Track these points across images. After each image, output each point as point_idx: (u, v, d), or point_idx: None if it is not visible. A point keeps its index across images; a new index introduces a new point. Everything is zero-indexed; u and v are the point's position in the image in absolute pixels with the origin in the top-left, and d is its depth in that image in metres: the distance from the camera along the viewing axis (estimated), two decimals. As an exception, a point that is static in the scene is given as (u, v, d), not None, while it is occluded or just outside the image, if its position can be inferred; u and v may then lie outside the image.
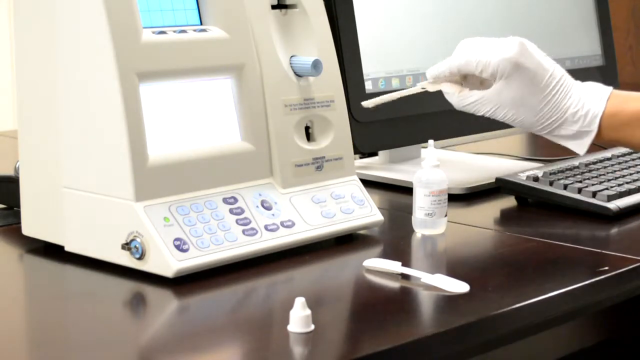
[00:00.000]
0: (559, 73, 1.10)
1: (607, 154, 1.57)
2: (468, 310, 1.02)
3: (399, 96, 1.20)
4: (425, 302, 1.07)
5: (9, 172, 1.32)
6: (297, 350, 0.93)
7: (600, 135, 1.11)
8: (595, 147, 1.24)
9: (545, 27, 1.81)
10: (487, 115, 1.11)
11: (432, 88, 1.15)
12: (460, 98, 1.13)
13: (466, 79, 1.14)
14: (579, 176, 1.43)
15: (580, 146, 1.12)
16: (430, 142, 1.27)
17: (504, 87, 1.10)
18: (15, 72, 1.21)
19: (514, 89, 1.09)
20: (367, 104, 1.21)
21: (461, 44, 1.13)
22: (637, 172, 1.47)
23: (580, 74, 1.84)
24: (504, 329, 1.03)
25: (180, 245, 1.08)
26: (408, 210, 1.30)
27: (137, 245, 1.08)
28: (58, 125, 1.15)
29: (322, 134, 1.25)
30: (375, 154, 1.66)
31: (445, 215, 1.28)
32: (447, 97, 1.14)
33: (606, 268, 1.15)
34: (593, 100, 1.10)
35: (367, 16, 1.51)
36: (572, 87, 1.11)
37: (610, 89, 1.12)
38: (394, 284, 1.10)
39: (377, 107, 1.20)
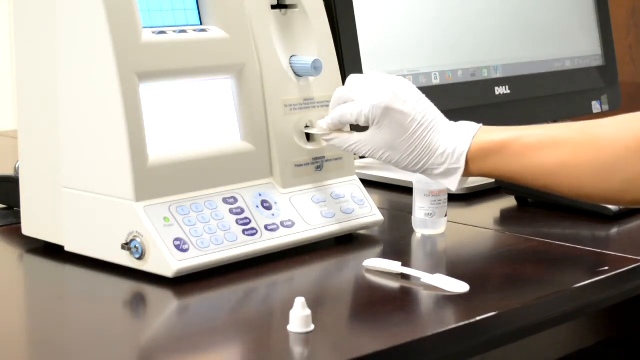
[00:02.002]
0: (426, 116, 1.16)
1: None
2: (468, 310, 1.02)
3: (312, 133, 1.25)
4: (425, 302, 1.07)
5: (9, 172, 1.32)
6: (297, 350, 0.93)
7: (468, 169, 1.15)
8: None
9: (546, 27, 1.81)
10: (367, 155, 1.18)
11: (324, 137, 1.22)
12: (341, 141, 1.20)
13: None
14: (579, 176, 1.43)
15: (451, 183, 1.16)
16: (430, 142, 1.27)
17: (377, 131, 1.16)
18: (15, 72, 1.21)
19: (385, 133, 1.16)
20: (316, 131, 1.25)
21: (349, 79, 1.21)
22: (637, 172, 1.47)
23: (580, 74, 1.85)
24: (504, 329, 1.03)
25: (180, 245, 1.08)
26: (408, 210, 1.30)
27: (137, 245, 1.08)
28: (58, 125, 1.15)
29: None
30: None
31: (445, 215, 1.28)
32: (331, 142, 1.21)
33: (606, 268, 1.15)
34: (460, 139, 1.15)
35: (367, 16, 1.51)
36: (440, 128, 1.16)
37: (479, 126, 1.16)
38: (394, 284, 1.10)
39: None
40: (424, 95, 1.17)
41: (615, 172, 1.10)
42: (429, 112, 1.16)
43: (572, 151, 1.12)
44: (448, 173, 1.16)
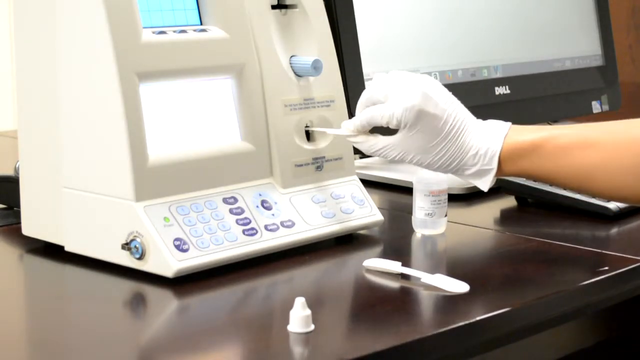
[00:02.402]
0: (457, 117, 1.15)
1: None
2: (468, 310, 1.02)
3: (334, 134, 1.24)
4: (425, 302, 1.07)
5: (9, 172, 1.32)
6: (297, 350, 0.93)
7: (501, 170, 1.15)
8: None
9: (546, 27, 1.81)
10: (397, 159, 1.17)
11: (350, 139, 1.20)
12: (369, 145, 1.18)
13: None
14: (579, 176, 1.43)
15: (483, 183, 1.16)
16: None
17: (408, 134, 1.15)
18: (15, 72, 1.21)
19: (418, 136, 1.14)
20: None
21: (375, 78, 1.18)
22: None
23: (580, 74, 1.85)
24: (504, 329, 1.03)
25: (180, 245, 1.08)
26: (408, 210, 1.30)
27: (137, 245, 1.08)
28: (58, 125, 1.15)
29: (322, 134, 1.25)
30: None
31: (445, 215, 1.28)
32: (357, 145, 1.20)
33: (606, 268, 1.15)
34: (491, 139, 1.14)
35: (367, 16, 1.51)
36: (471, 128, 1.15)
37: (508, 124, 1.16)
38: (394, 284, 1.10)
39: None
40: (451, 93, 1.16)
41: None
42: (459, 112, 1.15)
43: (606, 152, 1.12)
44: (480, 174, 1.15)
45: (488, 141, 1.14)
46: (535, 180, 1.19)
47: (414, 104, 1.13)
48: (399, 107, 1.14)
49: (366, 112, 1.17)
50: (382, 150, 1.17)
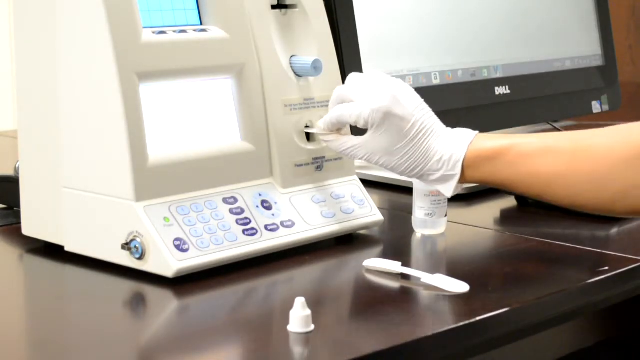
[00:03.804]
0: (424, 122, 1.16)
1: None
2: (468, 310, 1.02)
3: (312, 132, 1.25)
4: (425, 302, 1.07)
5: (9, 172, 1.32)
6: (297, 350, 0.93)
7: (464, 176, 1.16)
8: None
9: (546, 27, 1.81)
10: (363, 160, 1.18)
11: (321, 137, 1.23)
12: (338, 143, 1.20)
13: None
14: (579, 176, 1.43)
15: (447, 189, 1.17)
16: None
17: (375, 135, 1.16)
18: (15, 72, 1.21)
19: (383, 138, 1.16)
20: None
21: (349, 77, 1.20)
22: (637, 172, 1.47)
23: (580, 74, 1.85)
24: (504, 329, 1.03)
25: (180, 245, 1.08)
26: (408, 210, 1.30)
27: (137, 245, 1.08)
28: (58, 125, 1.15)
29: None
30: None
31: (445, 215, 1.28)
32: (327, 144, 1.22)
33: (606, 268, 1.15)
34: (456, 146, 1.15)
35: (367, 16, 1.51)
36: (437, 134, 1.16)
37: (475, 133, 1.17)
38: (394, 284, 1.10)
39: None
40: (423, 100, 1.17)
41: (608, 183, 1.11)
42: (427, 118, 1.16)
43: (567, 161, 1.12)
44: (444, 179, 1.16)
45: (452, 147, 1.15)
46: (498, 188, 1.19)
47: (381, 105, 1.15)
48: (367, 107, 1.15)
49: (336, 110, 1.19)
50: (350, 150, 1.18)
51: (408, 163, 1.16)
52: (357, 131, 1.19)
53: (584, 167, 1.12)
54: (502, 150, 1.14)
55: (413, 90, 1.18)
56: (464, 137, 1.16)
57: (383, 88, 1.16)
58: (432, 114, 1.17)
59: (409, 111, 1.15)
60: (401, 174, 1.17)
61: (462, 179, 1.16)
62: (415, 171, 1.16)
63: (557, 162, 1.12)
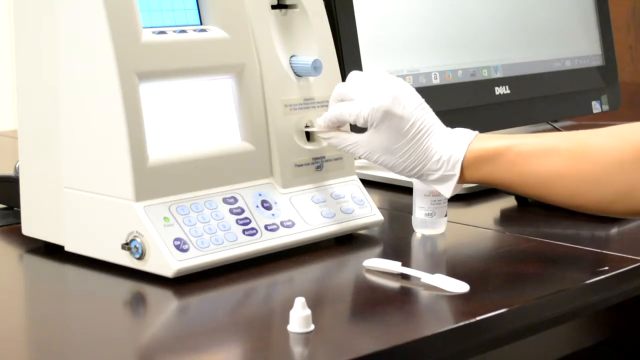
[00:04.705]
0: (424, 122, 1.16)
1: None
2: (468, 310, 1.02)
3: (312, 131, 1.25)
4: (425, 302, 1.07)
5: (9, 172, 1.32)
6: (297, 350, 0.93)
7: (463, 177, 1.16)
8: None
9: (546, 27, 1.81)
10: (363, 157, 1.18)
11: (321, 134, 1.23)
12: (338, 140, 1.20)
13: None
14: (579, 176, 1.43)
15: (446, 189, 1.17)
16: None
17: (375, 134, 1.16)
18: (15, 72, 1.21)
19: (383, 137, 1.16)
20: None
21: (349, 76, 1.20)
22: (637, 172, 1.47)
23: (580, 74, 1.85)
24: (504, 329, 1.03)
25: (180, 245, 1.08)
26: (408, 210, 1.30)
27: (137, 245, 1.09)
28: (58, 125, 1.15)
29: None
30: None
31: (445, 215, 1.28)
32: (328, 141, 1.22)
33: (606, 268, 1.15)
34: (455, 146, 1.15)
35: (367, 16, 1.51)
36: (437, 135, 1.16)
37: (475, 133, 1.17)
38: (394, 284, 1.10)
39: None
40: (424, 100, 1.17)
41: (608, 184, 1.11)
42: (427, 118, 1.16)
43: (566, 161, 1.12)
44: (443, 180, 1.16)
45: (452, 148, 1.15)
46: (497, 188, 1.19)
47: (381, 104, 1.15)
48: (367, 106, 1.15)
49: (335, 108, 1.19)
50: (351, 147, 1.18)
51: (407, 162, 1.16)
52: (357, 129, 1.20)
53: (584, 167, 1.12)
54: (501, 150, 1.14)
55: (414, 89, 1.18)
56: (463, 138, 1.16)
57: (384, 87, 1.16)
58: (433, 113, 1.17)
59: (409, 111, 1.15)
60: (400, 173, 1.17)
61: (461, 179, 1.16)
62: (414, 171, 1.16)
63: (556, 162, 1.12)
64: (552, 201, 1.15)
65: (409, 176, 1.18)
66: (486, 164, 1.15)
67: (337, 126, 1.20)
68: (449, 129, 1.18)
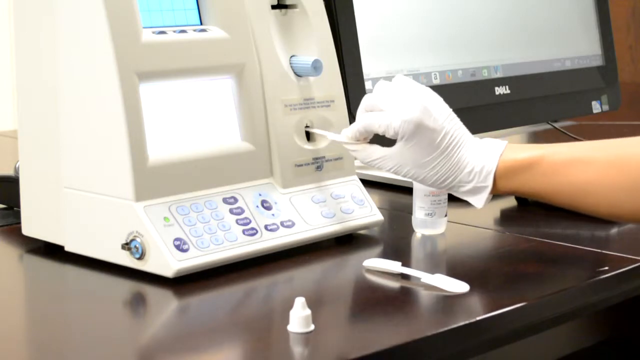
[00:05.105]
0: (455, 133, 1.15)
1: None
2: (468, 310, 1.02)
3: (333, 139, 1.24)
4: (425, 302, 1.07)
5: (9, 172, 1.32)
6: (297, 350, 0.93)
7: (496, 188, 1.15)
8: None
9: (546, 27, 1.81)
10: (391, 171, 1.16)
11: (347, 146, 1.20)
12: (365, 154, 1.18)
13: None
14: (579, 176, 1.43)
15: (478, 201, 1.16)
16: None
17: (405, 147, 1.14)
18: (15, 72, 1.21)
19: (414, 150, 1.14)
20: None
21: (377, 85, 1.17)
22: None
23: (580, 74, 1.85)
24: (504, 329, 1.03)
25: (180, 245, 1.08)
26: (408, 210, 1.30)
27: (137, 245, 1.09)
28: (58, 125, 1.15)
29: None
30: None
31: (445, 215, 1.28)
32: (353, 154, 1.19)
33: (606, 268, 1.15)
34: (487, 157, 1.15)
35: (367, 16, 1.51)
36: (468, 146, 1.15)
37: (505, 143, 1.16)
38: (394, 284, 1.10)
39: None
40: (452, 110, 1.16)
41: None
42: (457, 129, 1.15)
43: (602, 171, 1.12)
44: (475, 191, 1.15)
45: (484, 159, 1.14)
46: (530, 198, 1.19)
47: (412, 116, 1.13)
48: (398, 118, 1.13)
49: (364, 118, 1.17)
50: (378, 161, 1.16)
51: (439, 175, 1.15)
52: (382, 141, 1.18)
53: (620, 177, 1.11)
54: (534, 160, 1.13)
55: (442, 99, 1.16)
56: (494, 148, 1.15)
57: (414, 98, 1.14)
58: (461, 124, 1.16)
59: (440, 122, 1.14)
60: (431, 185, 1.16)
61: (494, 190, 1.15)
62: (446, 183, 1.15)
63: (592, 171, 1.12)
64: (588, 211, 1.15)
65: (440, 188, 1.16)
66: (519, 174, 1.14)
67: (364, 137, 1.18)
68: (478, 139, 1.16)
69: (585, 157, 1.13)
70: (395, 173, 1.16)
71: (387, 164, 1.16)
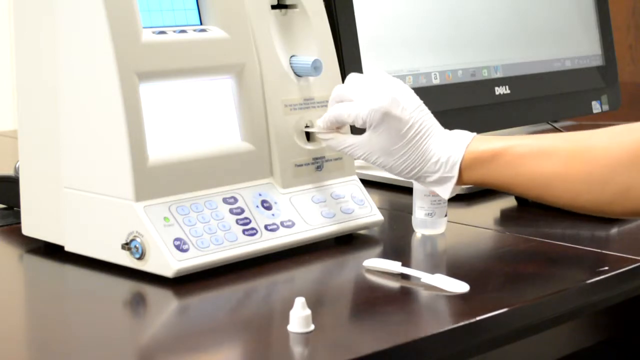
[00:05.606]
0: (423, 124, 1.16)
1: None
2: (468, 310, 1.02)
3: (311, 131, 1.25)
4: (425, 302, 1.07)
5: (9, 172, 1.32)
6: (297, 350, 0.93)
7: (461, 178, 1.16)
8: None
9: (545, 27, 1.81)
10: (361, 159, 1.18)
11: (320, 135, 1.23)
12: (336, 142, 1.20)
13: None
14: (579, 176, 1.43)
15: (444, 191, 1.17)
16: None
17: (373, 135, 1.16)
18: (15, 72, 1.21)
19: (381, 138, 1.16)
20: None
21: (348, 77, 1.20)
22: (637, 172, 1.47)
23: (580, 74, 1.85)
24: (504, 329, 1.03)
25: (180, 245, 1.08)
26: (408, 210, 1.30)
27: (137, 245, 1.09)
28: (58, 125, 1.15)
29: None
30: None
31: (445, 215, 1.28)
32: (326, 142, 1.22)
33: (606, 268, 1.15)
34: (454, 148, 1.15)
35: (367, 16, 1.51)
36: (436, 137, 1.16)
37: (473, 134, 1.17)
38: (394, 284, 1.10)
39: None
40: (422, 102, 1.17)
41: (607, 185, 1.11)
42: (426, 119, 1.16)
43: (564, 162, 1.12)
44: (441, 181, 1.16)
45: (450, 149, 1.15)
46: (495, 189, 1.19)
47: (380, 105, 1.15)
48: (366, 107, 1.15)
49: (334, 109, 1.19)
50: (349, 149, 1.18)
51: (405, 164, 1.16)
52: (356, 131, 1.20)
53: (582, 168, 1.12)
54: (498, 151, 1.14)
55: (412, 91, 1.18)
56: (461, 139, 1.16)
57: (382, 88, 1.16)
58: (431, 115, 1.17)
59: (408, 112, 1.15)
60: (398, 174, 1.18)
61: (460, 181, 1.16)
62: (413, 172, 1.16)
63: (554, 163, 1.13)
64: (550, 202, 1.15)
65: (407, 178, 1.18)
66: (484, 165, 1.15)
67: (336, 127, 1.21)
68: (447, 130, 1.18)
69: (548, 149, 1.13)
70: (365, 160, 1.18)
71: (357, 151, 1.18)
